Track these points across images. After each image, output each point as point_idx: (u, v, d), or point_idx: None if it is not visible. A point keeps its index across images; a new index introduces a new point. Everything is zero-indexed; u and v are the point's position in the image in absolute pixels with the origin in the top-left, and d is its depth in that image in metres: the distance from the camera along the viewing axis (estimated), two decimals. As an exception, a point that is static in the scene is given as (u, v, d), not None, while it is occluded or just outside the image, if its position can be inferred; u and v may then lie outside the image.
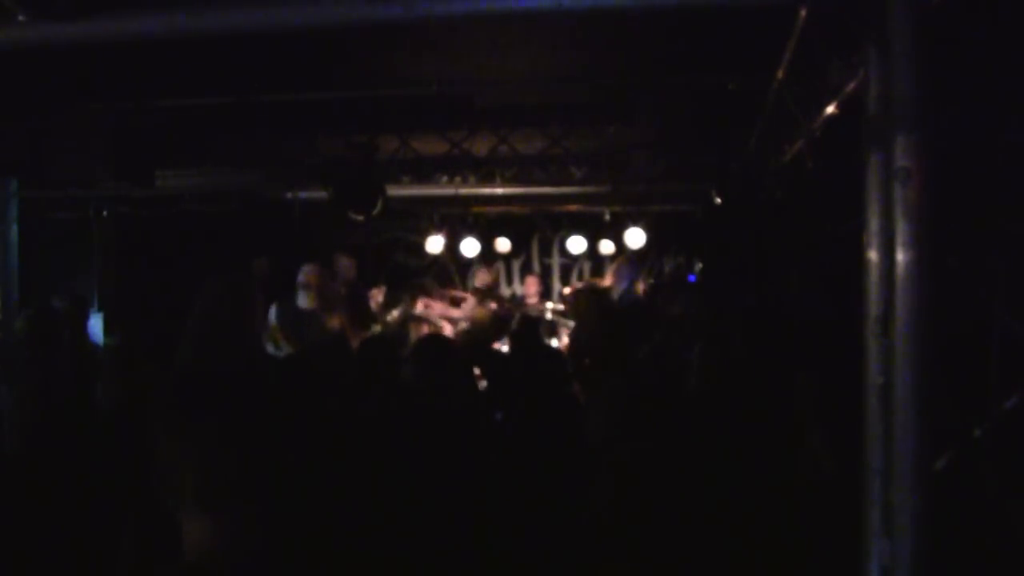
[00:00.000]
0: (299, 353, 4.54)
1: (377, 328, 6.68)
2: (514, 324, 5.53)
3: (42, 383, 3.97)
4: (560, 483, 3.02)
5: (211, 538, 1.40)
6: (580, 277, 9.88)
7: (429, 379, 3.32)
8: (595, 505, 2.66)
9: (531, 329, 4.89)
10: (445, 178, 6.95)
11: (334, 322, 5.66)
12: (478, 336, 5.12)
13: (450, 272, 9.87)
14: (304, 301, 5.46)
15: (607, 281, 6.90)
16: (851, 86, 3.02)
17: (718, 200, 6.30)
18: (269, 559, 1.45)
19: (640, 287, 7.41)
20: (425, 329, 5.88)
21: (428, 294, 7.35)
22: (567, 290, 8.36)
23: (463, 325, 6.94)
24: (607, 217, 8.40)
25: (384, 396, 3.45)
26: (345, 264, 6.42)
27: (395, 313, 6.70)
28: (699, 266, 9.22)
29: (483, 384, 4.54)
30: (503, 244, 9.18)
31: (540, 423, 3.56)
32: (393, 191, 6.29)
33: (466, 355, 4.38)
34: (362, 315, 6.03)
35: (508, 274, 10.32)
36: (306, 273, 5.50)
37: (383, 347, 3.80)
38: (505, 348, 5.12)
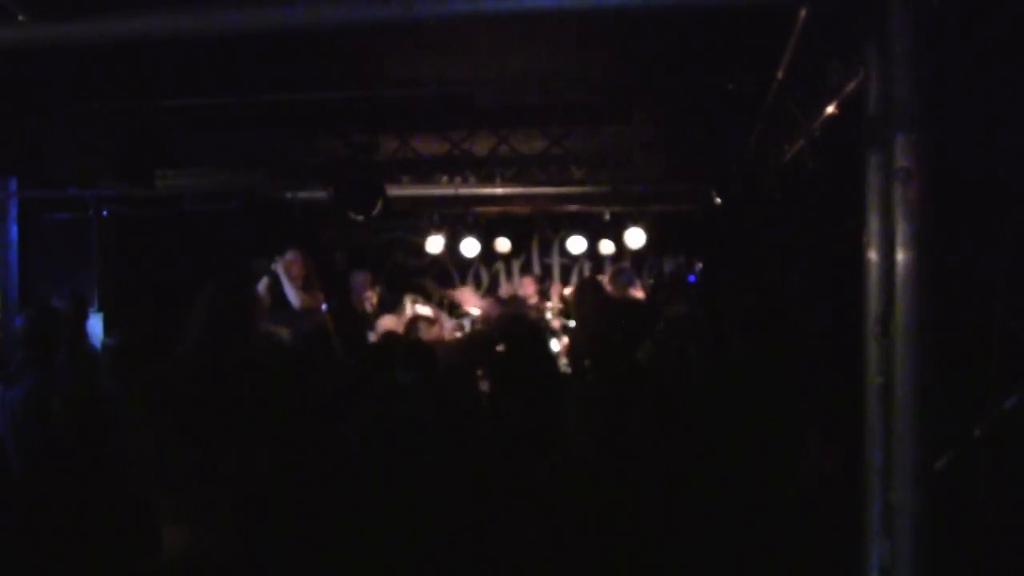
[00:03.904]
0: (290, 351, 4.53)
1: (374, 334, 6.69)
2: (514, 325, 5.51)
3: (41, 383, 3.96)
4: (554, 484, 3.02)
5: (187, 546, 1.38)
6: (580, 277, 9.87)
7: (419, 382, 3.32)
8: (590, 505, 2.66)
9: (532, 331, 4.88)
10: (445, 178, 6.94)
11: (319, 297, 6.08)
12: (486, 336, 5.10)
13: (450, 272, 9.88)
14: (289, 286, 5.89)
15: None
16: (851, 86, 3.01)
17: (718, 200, 6.30)
18: (246, 565, 1.44)
19: (637, 292, 7.41)
20: (435, 329, 5.86)
21: (427, 295, 7.37)
22: (568, 290, 8.37)
23: (477, 324, 6.94)
24: (607, 217, 8.39)
25: (376, 398, 3.45)
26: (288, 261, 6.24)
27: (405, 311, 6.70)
28: (699, 266, 9.21)
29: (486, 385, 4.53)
30: (503, 244, 9.18)
31: (536, 423, 3.56)
32: (393, 191, 6.28)
33: (469, 356, 4.37)
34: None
35: (508, 274, 10.33)
36: (287, 261, 5.98)
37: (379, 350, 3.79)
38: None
